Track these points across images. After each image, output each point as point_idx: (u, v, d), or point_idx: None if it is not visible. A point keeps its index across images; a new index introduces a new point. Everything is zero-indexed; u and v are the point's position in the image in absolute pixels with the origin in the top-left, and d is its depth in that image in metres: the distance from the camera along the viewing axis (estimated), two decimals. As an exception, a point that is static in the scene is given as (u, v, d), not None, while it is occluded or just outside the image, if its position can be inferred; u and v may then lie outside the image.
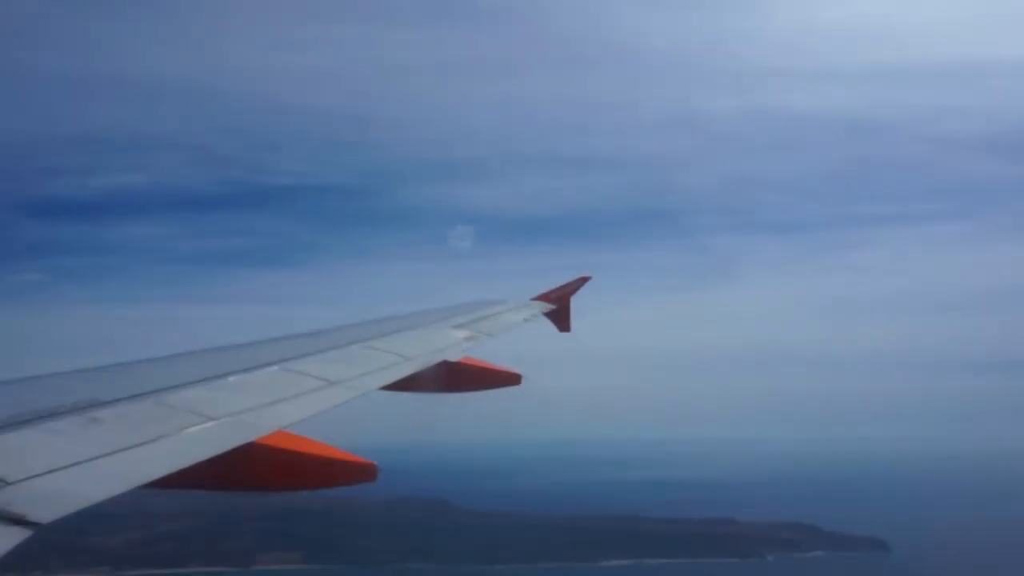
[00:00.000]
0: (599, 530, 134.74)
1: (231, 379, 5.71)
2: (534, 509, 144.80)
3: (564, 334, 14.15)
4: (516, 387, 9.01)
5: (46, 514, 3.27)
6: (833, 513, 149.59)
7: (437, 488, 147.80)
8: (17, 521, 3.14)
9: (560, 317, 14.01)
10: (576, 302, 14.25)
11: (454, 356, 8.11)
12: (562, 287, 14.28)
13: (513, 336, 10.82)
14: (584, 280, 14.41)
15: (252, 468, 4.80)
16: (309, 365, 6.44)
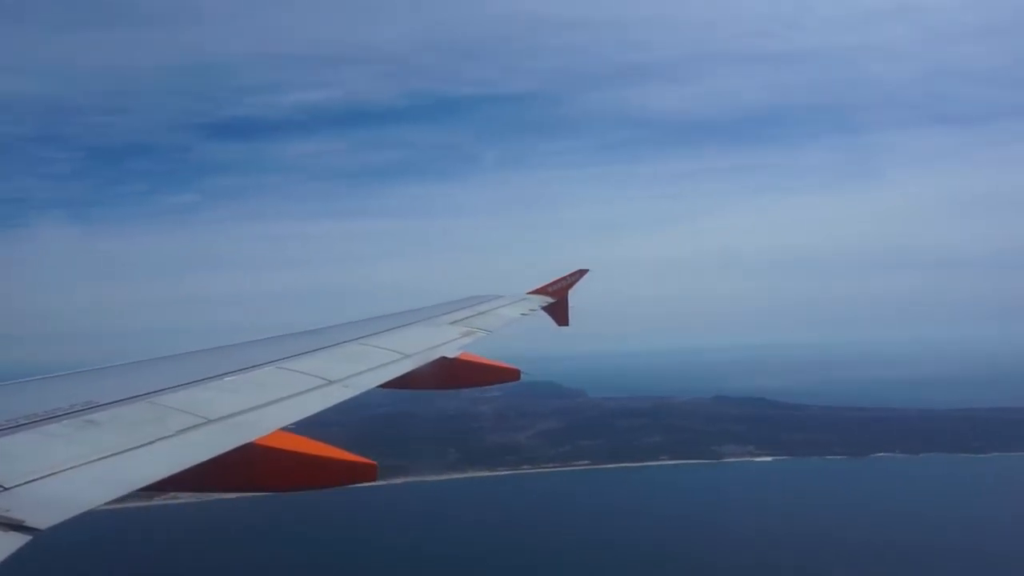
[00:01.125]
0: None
1: (227, 379, 5.68)
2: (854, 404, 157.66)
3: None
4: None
5: (45, 519, 3.24)
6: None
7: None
8: (16, 527, 3.11)
9: (558, 311, 14.00)
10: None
11: (452, 352, 8.09)
12: (559, 280, 14.25)
13: (511, 330, 10.82)
14: (582, 273, 14.38)
15: (250, 469, 4.77)
16: (306, 364, 6.42)
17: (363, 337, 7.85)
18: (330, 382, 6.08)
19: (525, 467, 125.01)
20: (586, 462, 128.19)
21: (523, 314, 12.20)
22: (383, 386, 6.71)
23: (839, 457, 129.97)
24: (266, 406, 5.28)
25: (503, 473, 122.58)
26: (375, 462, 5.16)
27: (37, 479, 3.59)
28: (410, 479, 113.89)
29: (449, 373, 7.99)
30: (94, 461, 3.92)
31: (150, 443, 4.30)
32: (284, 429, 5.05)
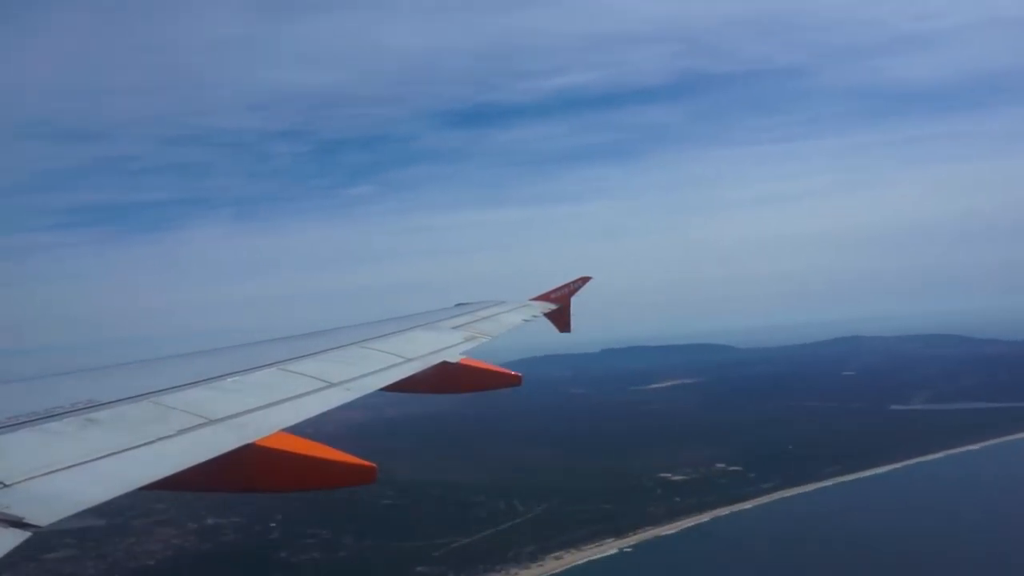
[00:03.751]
0: None
1: (230, 380, 5.69)
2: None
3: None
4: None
5: (45, 516, 3.25)
6: None
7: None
8: (15, 524, 3.12)
9: (560, 318, 13.98)
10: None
11: (453, 357, 8.09)
12: (562, 287, 14.24)
13: (513, 336, 10.82)
14: (584, 280, 14.37)
15: (250, 470, 4.77)
16: (308, 366, 6.42)
17: (365, 340, 7.86)
18: (331, 384, 6.09)
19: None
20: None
21: (525, 320, 12.20)
22: (384, 389, 6.72)
23: None
24: (267, 407, 5.29)
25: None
26: (375, 464, 5.14)
27: (37, 476, 3.60)
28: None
29: (450, 377, 8.00)
30: (95, 460, 3.92)
31: (151, 442, 4.30)
32: (295, 432, 5.06)
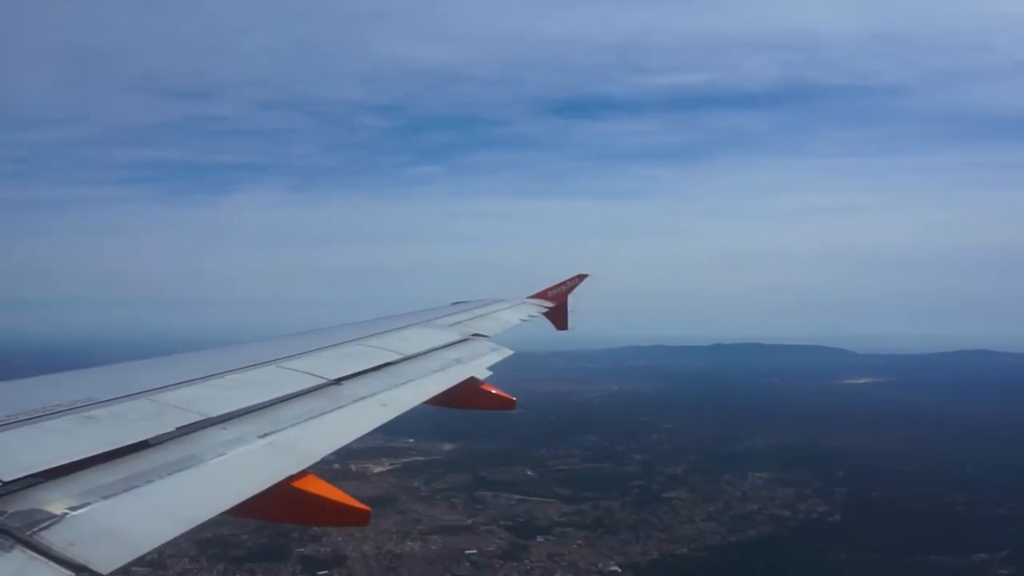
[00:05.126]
0: None
1: (228, 377, 5.70)
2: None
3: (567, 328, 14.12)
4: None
5: (106, 563, 3.19)
6: None
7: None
8: (76, 568, 3.10)
9: (558, 315, 14.02)
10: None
11: (481, 374, 8.07)
12: (559, 285, 14.28)
13: (510, 334, 10.83)
14: (582, 278, 14.41)
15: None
16: (306, 363, 6.44)
17: (364, 338, 7.88)
18: (328, 381, 6.11)
19: None
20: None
21: (522, 319, 12.22)
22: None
23: None
24: (268, 406, 5.29)
25: None
26: (368, 508, 5.01)
27: (34, 473, 3.61)
28: None
29: (452, 394, 7.87)
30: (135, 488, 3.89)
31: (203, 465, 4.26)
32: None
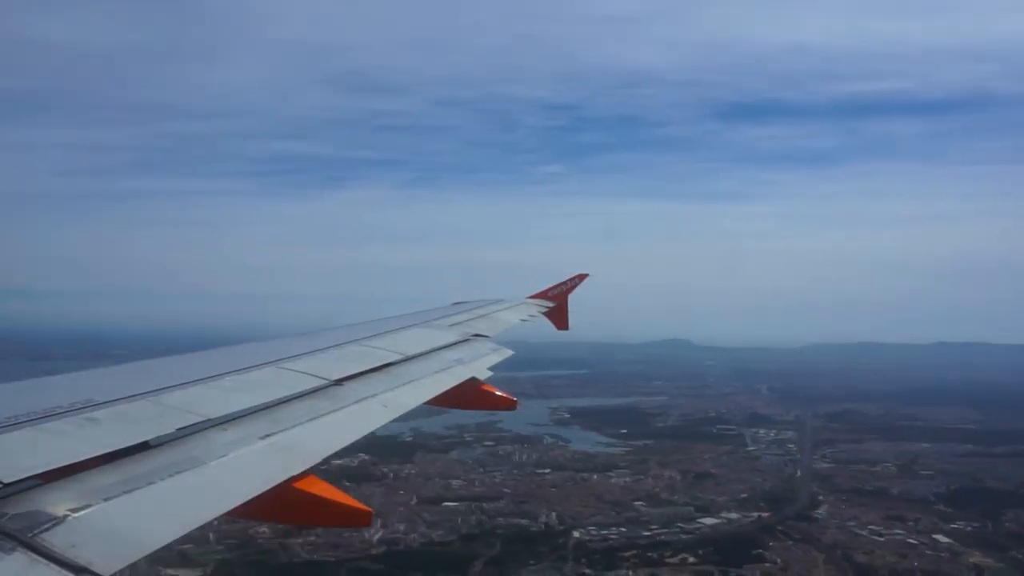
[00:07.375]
0: None
1: (228, 379, 5.69)
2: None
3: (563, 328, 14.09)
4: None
5: (107, 564, 3.19)
6: None
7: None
8: (76, 569, 3.10)
9: (558, 316, 14.01)
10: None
11: (482, 375, 8.03)
12: (559, 285, 14.27)
13: (509, 334, 10.83)
14: (582, 278, 14.40)
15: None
16: (306, 364, 6.43)
17: (364, 338, 7.88)
18: (329, 382, 6.10)
19: None
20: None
21: (522, 319, 12.21)
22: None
23: None
24: (267, 406, 5.28)
25: None
26: (370, 509, 4.98)
27: (35, 475, 3.60)
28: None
29: (453, 394, 7.83)
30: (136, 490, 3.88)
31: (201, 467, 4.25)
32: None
